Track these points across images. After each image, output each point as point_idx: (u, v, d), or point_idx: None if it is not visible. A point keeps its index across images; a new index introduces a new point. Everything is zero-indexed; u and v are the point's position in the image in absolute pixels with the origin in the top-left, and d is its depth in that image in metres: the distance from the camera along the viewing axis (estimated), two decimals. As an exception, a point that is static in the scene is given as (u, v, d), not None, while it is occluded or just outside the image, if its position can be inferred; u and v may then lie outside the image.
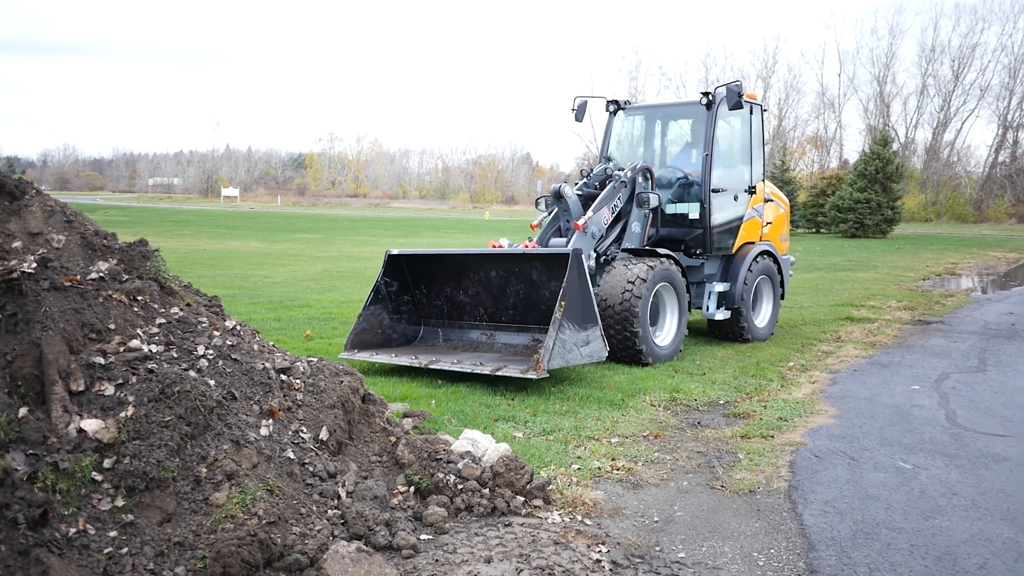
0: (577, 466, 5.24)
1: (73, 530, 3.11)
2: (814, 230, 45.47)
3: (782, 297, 11.23)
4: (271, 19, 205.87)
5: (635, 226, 9.55)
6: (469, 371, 7.32)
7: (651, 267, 8.63)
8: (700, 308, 10.08)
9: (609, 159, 10.60)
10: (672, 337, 9.08)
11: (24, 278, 3.60)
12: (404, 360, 7.78)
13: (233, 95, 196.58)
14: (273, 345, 4.87)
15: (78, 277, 3.87)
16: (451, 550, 3.81)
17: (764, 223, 10.84)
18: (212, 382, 3.83)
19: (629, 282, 8.39)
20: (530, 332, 8.15)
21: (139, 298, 4.11)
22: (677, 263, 9.14)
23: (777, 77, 71.74)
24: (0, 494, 2.97)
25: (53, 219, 4.29)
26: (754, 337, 10.40)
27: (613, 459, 5.43)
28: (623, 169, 9.77)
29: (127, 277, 4.19)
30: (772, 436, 6.11)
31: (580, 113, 10.99)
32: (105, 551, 3.11)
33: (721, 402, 7.24)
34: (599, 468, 5.24)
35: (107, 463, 3.32)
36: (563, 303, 7.04)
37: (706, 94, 9.98)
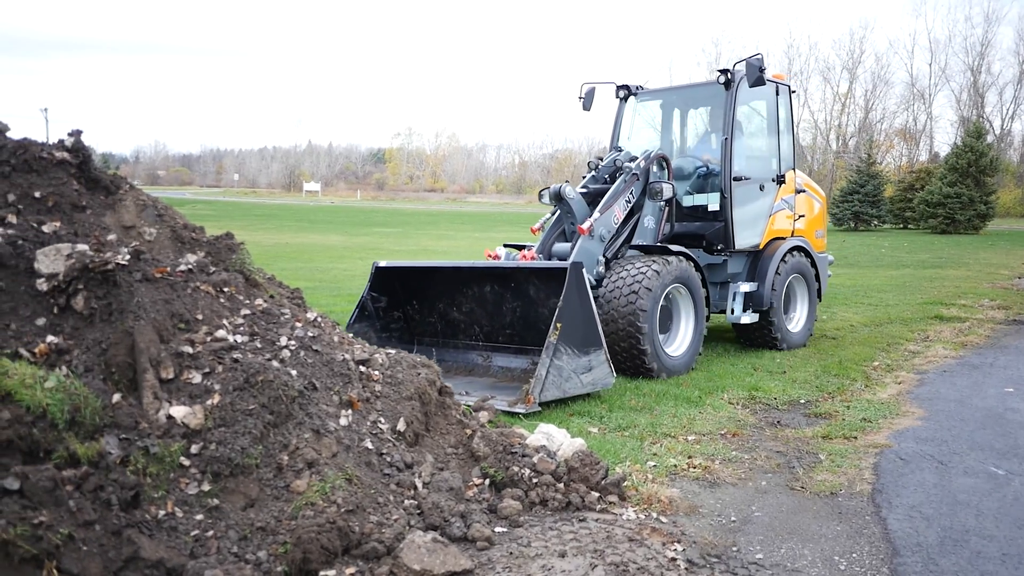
0: (653, 463, 5.19)
1: (162, 512, 3.23)
2: (901, 226, 43.95)
3: (819, 298, 10.21)
4: (353, 17, 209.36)
5: (648, 221, 8.64)
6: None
7: (660, 269, 7.63)
8: (724, 312, 9.15)
9: (620, 150, 9.51)
10: (687, 346, 8.10)
11: (118, 269, 3.75)
12: None
13: (315, 92, 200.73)
14: (352, 337, 4.96)
15: (168, 269, 4.01)
16: (525, 543, 3.82)
17: (796, 216, 9.86)
18: (294, 372, 3.92)
19: (633, 287, 7.46)
20: (529, 354, 7.28)
21: (225, 289, 4.23)
22: (693, 261, 8.18)
23: (864, 68, 69.13)
24: (95, 476, 3.10)
25: (145, 213, 4.45)
26: (787, 344, 9.41)
27: (689, 457, 5.36)
28: (636, 159, 8.80)
29: (214, 269, 4.32)
30: (855, 437, 5.94)
31: (588, 101, 10.05)
32: (192, 533, 3.22)
33: (802, 401, 7.08)
34: (675, 466, 5.18)
35: (194, 449, 3.44)
36: (559, 325, 6.24)
37: (724, 71, 9.02)
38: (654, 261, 7.70)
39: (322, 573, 3.24)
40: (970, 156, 39.86)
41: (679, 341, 8.14)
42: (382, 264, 7.93)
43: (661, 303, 7.69)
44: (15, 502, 2.82)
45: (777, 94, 9.57)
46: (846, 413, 6.61)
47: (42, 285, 3.65)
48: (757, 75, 8.52)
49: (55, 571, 2.75)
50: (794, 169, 9.87)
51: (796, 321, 9.82)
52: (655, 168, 8.74)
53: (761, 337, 9.37)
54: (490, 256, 8.17)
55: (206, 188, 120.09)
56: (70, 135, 4.32)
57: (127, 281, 3.76)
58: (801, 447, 5.74)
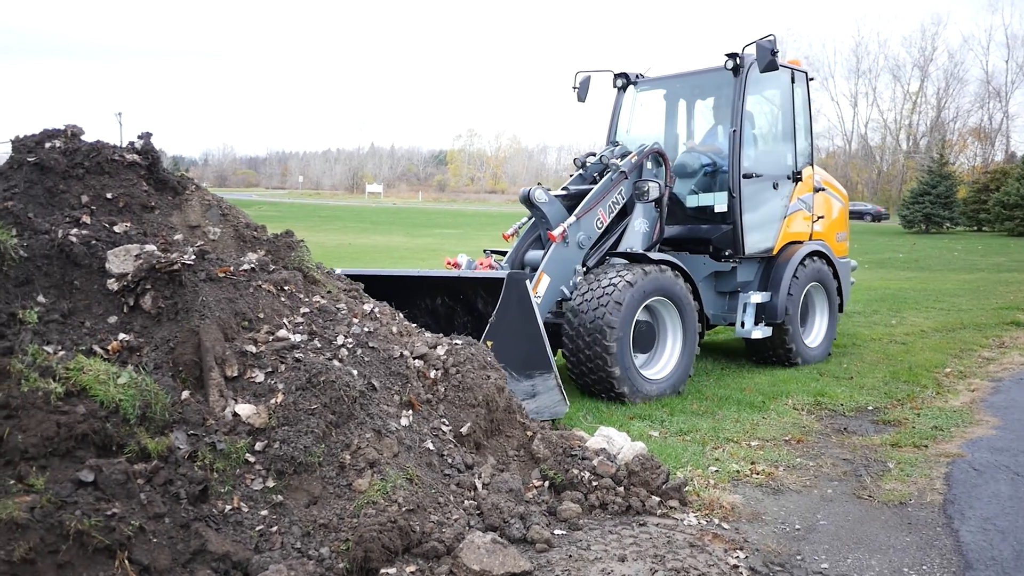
0: (715, 468, 5.12)
1: (228, 507, 3.30)
2: (975, 228, 42.59)
3: (840, 309, 9.27)
4: (417, 21, 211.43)
5: (640, 224, 7.68)
6: None
7: (634, 280, 6.69)
8: (734, 325, 8.28)
9: (617, 144, 8.59)
10: (672, 367, 7.13)
11: (184, 269, 3.84)
12: None
13: (378, 95, 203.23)
14: (415, 327, 5.00)
15: (231, 268, 4.09)
16: (585, 547, 3.80)
17: (814, 217, 8.95)
18: (355, 372, 3.96)
19: (602, 300, 6.57)
20: None
21: (285, 288, 4.30)
22: (679, 270, 7.23)
23: (936, 65, 67.43)
24: (165, 470, 3.18)
25: (210, 212, 4.56)
26: (803, 360, 8.52)
27: (752, 463, 5.27)
28: (628, 154, 7.91)
29: (274, 267, 4.40)
30: (926, 446, 5.77)
31: (583, 91, 9.14)
32: (256, 528, 3.28)
33: (870, 408, 6.90)
34: (738, 471, 5.10)
35: (258, 446, 3.50)
36: (489, 343, 5.21)
37: (733, 55, 8.02)
38: (629, 271, 6.81)
39: (383, 571, 3.27)
40: (1049, 156, 38.39)
41: (663, 362, 7.19)
42: (338, 271, 7.15)
43: (643, 318, 6.94)
44: (89, 494, 2.91)
45: (793, 82, 8.66)
46: (916, 421, 6.42)
47: (112, 285, 3.77)
48: (769, 59, 7.59)
49: (126, 562, 2.83)
50: (812, 165, 9.01)
51: (815, 335, 8.95)
52: (649, 165, 7.86)
53: (774, 353, 8.49)
54: (449, 264, 7.47)
55: (271, 190, 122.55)
56: (140, 137, 4.45)
57: (192, 281, 3.86)
58: (869, 455, 5.60)
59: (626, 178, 7.60)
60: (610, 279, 6.71)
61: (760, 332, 8.15)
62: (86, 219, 3.97)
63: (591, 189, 7.54)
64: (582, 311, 6.63)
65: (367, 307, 4.72)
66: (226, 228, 4.55)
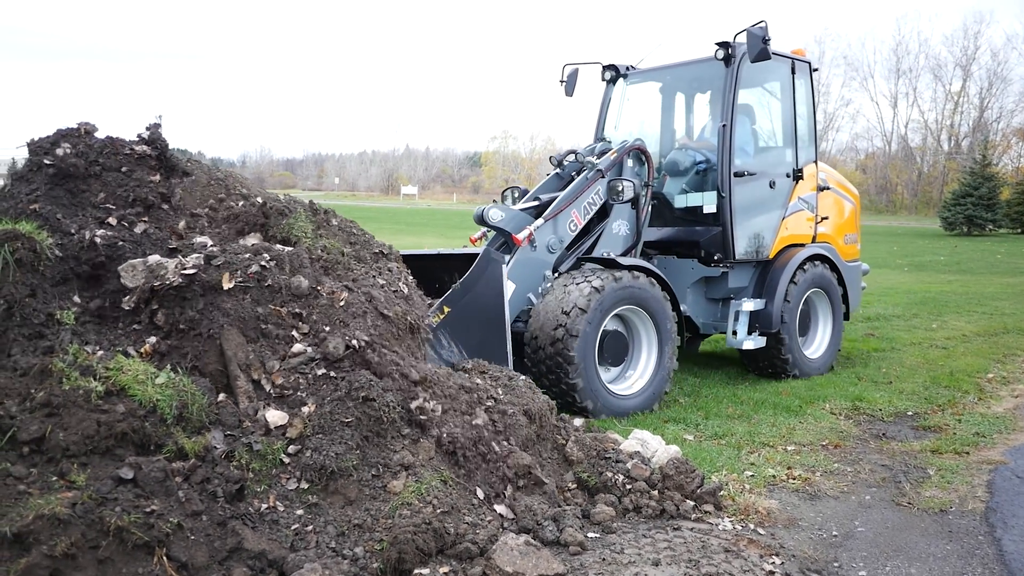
0: (750, 473, 5.07)
1: (264, 506, 3.33)
2: (1019, 230, 41.71)
3: (846, 317, 8.62)
4: (450, 23, 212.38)
5: (619, 227, 7.21)
6: None
7: (601, 285, 6.17)
8: (727, 333, 7.71)
9: (603, 141, 8.18)
10: (646, 382, 6.58)
11: (187, 285, 3.79)
12: None
13: (413, 97, 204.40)
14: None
15: (239, 276, 4.05)
16: (618, 550, 3.78)
17: (818, 218, 8.38)
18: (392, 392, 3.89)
19: (565, 306, 6.10)
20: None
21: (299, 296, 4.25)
22: (654, 276, 6.67)
23: (978, 65, 65.87)
24: (202, 469, 3.22)
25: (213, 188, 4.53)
26: (801, 371, 7.93)
27: (789, 468, 5.21)
28: (608, 152, 7.43)
29: (279, 263, 4.36)
30: (967, 452, 5.67)
31: (571, 85, 8.68)
32: (292, 527, 3.31)
33: (909, 413, 6.79)
34: (774, 476, 5.04)
35: (292, 449, 3.52)
36: (446, 308, 5.22)
37: (724, 44, 7.50)
38: (597, 276, 6.30)
39: (416, 572, 3.28)
40: (1096, 157, 37.49)
41: (636, 376, 6.66)
42: None
43: (613, 328, 6.49)
44: (129, 491, 2.96)
45: (794, 72, 8.13)
46: (957, 427, 6.31)
47: (128, 304, 3.75)
48: (760, 47, 7.04)
49: (164, 558, 2.87)
50: (816, 162, 8.43)
51: (816, 345, 8.37)
52: (630, 162, 7.38)
53: (770, 364, 7.92)
54: (473, 242, 7.34)
55: (308, 191, 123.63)
56: (148, 128, 4.45)
57: (198, 293, 3.76)
58: (908, 461, 5.51)
59: (603, 176, 7.14)
60: (576, 283, 6.25)
61: (753, 342, 7.59)
62: (111, 220, 3.97)
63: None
64: (546, 317, 6.16)
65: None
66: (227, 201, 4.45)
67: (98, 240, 3.82)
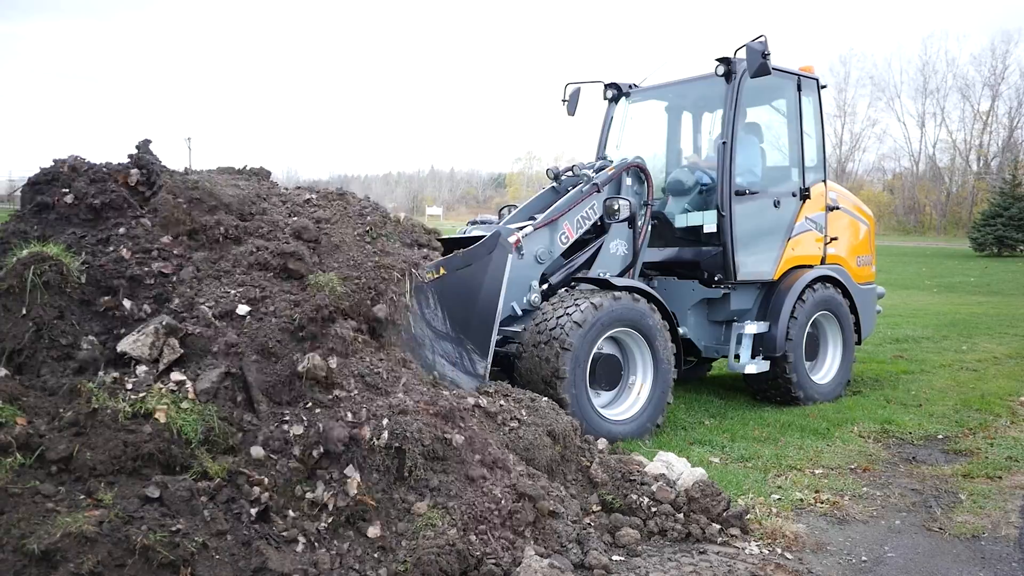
0: (777, 496, 5.01)
1: (289, 527, 3.33)
2: (1052, 251, 41.10)
3: (858, 342, 8.29)
4: (474, 44, 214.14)
5: (617, 246, 7.00)
6: None
7: (597, 303, 5.98)
8: (728, 357, 7.42)
9: (605, 159, 8.01)
10: (640, 407, 6.29)
11: (196, 336, 3.80)
12: None
13: (438, 118, 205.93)
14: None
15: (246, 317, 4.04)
16: (643, 573, 3.74)
17: (827, 239, 8.10)
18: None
19: (562, 322, 5.89)
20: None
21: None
22: (649, 297, 6.43)
23: (1007, 84, 65.27)
24: (228, 488, 3.24)
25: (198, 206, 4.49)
26: (807, 397, 7.58)
27: (816, 491, 5.14)
28: (605, 168, 7.16)
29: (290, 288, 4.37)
30: (1000, 477, 5.56)
31: (572, 104, 8.51)
32: (316, 548, 3.31)
33: (939, 437, 6.68)
34: (801, 500, 4.98)
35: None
36: (443, 269, 5.20)
37: (724, 60, 7.27)
38: (597, 295, 6.12)
39: (439, 594, 3.27)
40: None
41: (630, 401, 6.36)
42: None
43: (608, 351, 6.25)
44: (155, 510, 2.98)
45: (800, 89, 7.84)
46: (989, 451, 6.19)
47: (142, 372, 3.62)
48: (760, 62, 6.78)
49: (189, 578, 2.88)
50: (825, 181, 8.14)
51: (825, 370, 8.05)
52: (628, 180, 7.15)
53: (774, 389, 7.59)
54: None
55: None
56: (137, 147, 4.42)
57: (203, 337, 3.74)
58: (939, 485, 5.42)
59: (598, 191, 6.86)
60: (574, 302, 6.02)
61: (756, 366, 7.27)
62: (125, 253, 3.93)
63: None
64: (539, 333, 5.93)
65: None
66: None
67: (110, 271, 3.84)
